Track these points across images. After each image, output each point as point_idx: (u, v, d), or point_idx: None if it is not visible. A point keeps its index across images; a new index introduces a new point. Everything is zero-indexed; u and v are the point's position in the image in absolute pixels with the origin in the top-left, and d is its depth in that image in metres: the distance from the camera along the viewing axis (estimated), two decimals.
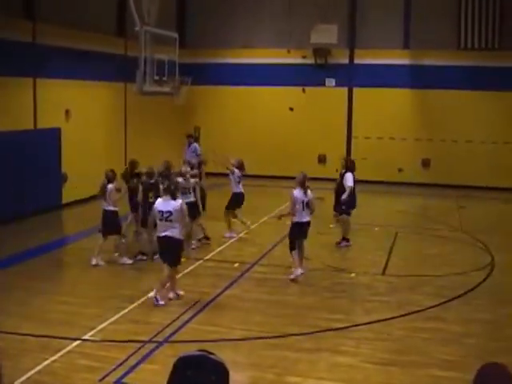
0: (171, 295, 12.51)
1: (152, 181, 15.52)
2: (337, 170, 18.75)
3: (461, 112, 27.89)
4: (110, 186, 14.97)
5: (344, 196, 16.68)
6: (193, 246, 16.23)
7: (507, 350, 10.18)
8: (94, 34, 22.81)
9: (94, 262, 14.86)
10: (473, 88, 27.60)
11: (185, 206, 12.48)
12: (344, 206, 16.83)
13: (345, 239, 17.17)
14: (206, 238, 17.11)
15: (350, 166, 17.20)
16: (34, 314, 11.61)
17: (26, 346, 10.12)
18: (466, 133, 27.97)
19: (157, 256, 15.28)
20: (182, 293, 12.67)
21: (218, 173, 21.47)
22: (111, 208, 14.95)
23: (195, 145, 23.57)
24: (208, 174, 20.95)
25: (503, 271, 15.06)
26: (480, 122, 27.72)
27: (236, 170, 17.73)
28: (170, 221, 12.08)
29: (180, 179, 15.81)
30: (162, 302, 12.13)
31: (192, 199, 16.04)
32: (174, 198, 12.26)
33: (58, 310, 11.82)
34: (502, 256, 16.27)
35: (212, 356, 3.14)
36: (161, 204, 12.26)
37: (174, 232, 12.14)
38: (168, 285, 12.56)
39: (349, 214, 17.08)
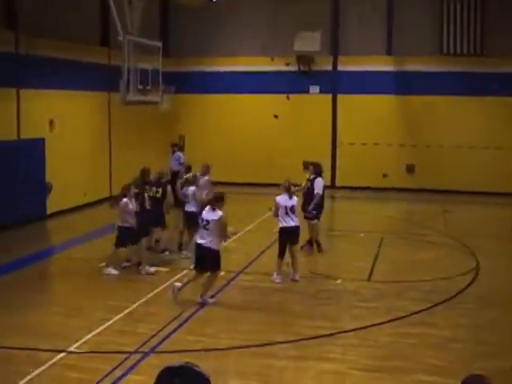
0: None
1: (136, 190, 15.55)
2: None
3: (444, 117, 28.00)
4: (124, 200, 14.90)
5: (312, 204, 16.70)
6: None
7: (493, 355, 10.22)
8: (77, 44, 22.73)
9: (144, 271, 14.99)
10: (456, 93, 27.74)
11: (224, 219, 12.75)
12: (315, 211, 16.82)
13: (318, 243, 17.19)
14: None
15: (318, 170, 17.24)
16: (18, 325, 11.51)
17: (7, 358, 10.05)
18: (450, 138, 28.08)
19: (140, 267, 15.31)
20: (212, 301, 12.95)
21: None
22: (125, 224, 14.90)
23: (179, 153, 23.87)
24: None
25: (488, 275, 15.11)
26: (463, 127, 27.84)
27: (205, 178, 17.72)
28: (207, 229, 12.58)
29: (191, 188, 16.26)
30: (211, 300, 12.88)
31: (193, 209, 16.21)
32: (214, 209, 12.63)
33: (43, 322, 11.74)
34: (487, 260, 16.33)
35: (196, 367, 3.20)
36: (205, 212, 12.83)
37: (207, 240, 12.60)
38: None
39: (319, 218, 17.15)
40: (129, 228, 14.90)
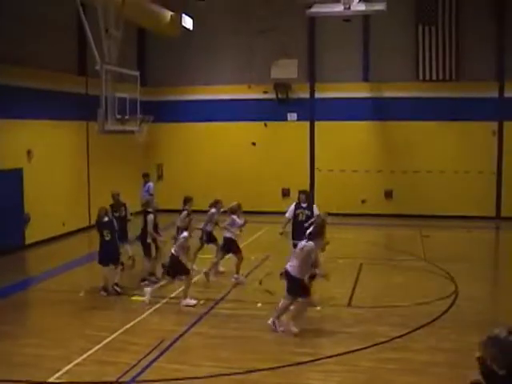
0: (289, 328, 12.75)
1: (106, 219, 15.81)
2: None
3: (421, 143, 28.33)
4: (185, 233, 14.90)
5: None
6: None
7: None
8: (54, 73, 22.79)
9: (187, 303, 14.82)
10: (432, 119, 28.10)
11: (310, 249, 12.65)
12: None
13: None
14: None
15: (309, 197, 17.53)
16: None
17: None
18: (427, 163, 28.38)
19: (120, 289, 15.45)
20: (296, 330, 12.69)
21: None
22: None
23: (150, 184, 23.89)
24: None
25: (467, 299, 15.18)
26: (440, 151, 28.20)
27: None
28: (294, 253, 12.88)
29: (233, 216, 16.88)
30: (281, 329, 12.71)
31: (229, 235, 16.86)
32: (309, 239, 12.73)
33: (21, 353, 11.62)
34: (466, 284, 16.43)
35: None
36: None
37: (292, 265, 12.73)
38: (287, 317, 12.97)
39: None
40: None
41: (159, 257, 17.13)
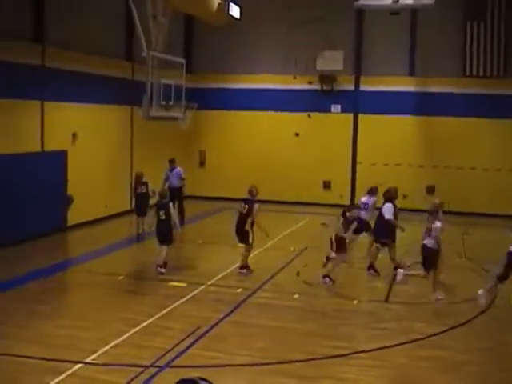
0: None
1: (164, 200, 16.58)
2: (341, 196, 18.88)
3: (465, 139, 28.00)
4: (438, 224, 15.01)
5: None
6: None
7: (508, 380, 10.17)
8: (101, 58, 23.00)
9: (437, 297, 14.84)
10: (477, 115, 27.75)
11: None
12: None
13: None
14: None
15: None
16: (34, 337, 11.62)
17: (26, 368, 10.12)
18: (471, 160, 28.06)
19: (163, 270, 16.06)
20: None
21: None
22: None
23: (179, 168, 23.59)
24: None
25: (506, 298, 15.02)
26: (484, 149, 27.83)
27: None
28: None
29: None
30: None
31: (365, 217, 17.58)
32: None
33: (60, 334, 11.82)
34: (506, 284, 16.21)
35: (203, 382, 3.37)
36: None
37: None
38: None
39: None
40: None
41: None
